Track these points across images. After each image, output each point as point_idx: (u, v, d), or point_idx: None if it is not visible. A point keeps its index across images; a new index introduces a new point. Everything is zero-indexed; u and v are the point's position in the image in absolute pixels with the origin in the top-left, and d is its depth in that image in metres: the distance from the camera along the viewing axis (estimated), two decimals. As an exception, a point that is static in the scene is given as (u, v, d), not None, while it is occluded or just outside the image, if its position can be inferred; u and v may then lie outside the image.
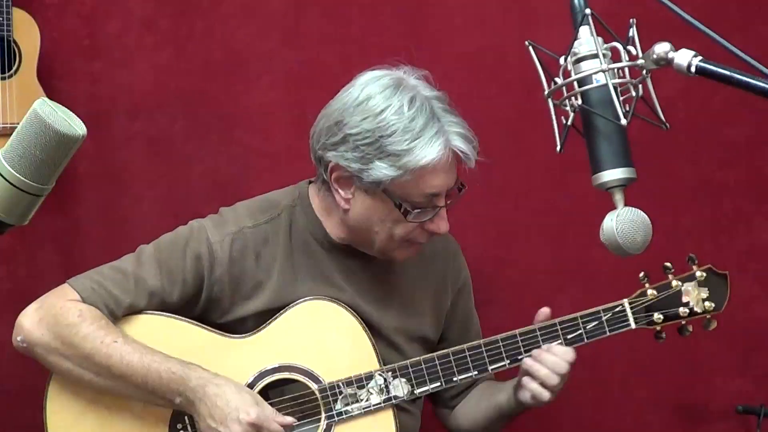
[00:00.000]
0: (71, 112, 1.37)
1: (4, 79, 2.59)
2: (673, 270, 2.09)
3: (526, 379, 2.07)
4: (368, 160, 1.98)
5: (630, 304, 2.08)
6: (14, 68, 2.60)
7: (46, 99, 1.36)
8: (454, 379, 2.10)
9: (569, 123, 1.50)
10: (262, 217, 2.14)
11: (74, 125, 1.35)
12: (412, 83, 2.02)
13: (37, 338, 2.04)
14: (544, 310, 2.11)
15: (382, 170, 1.97)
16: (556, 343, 2.08)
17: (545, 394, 2.05)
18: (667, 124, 1.49)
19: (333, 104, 2.05)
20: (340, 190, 2.05)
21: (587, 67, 1.47)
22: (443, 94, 2.04)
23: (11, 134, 1.37)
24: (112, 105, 2.76)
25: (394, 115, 1.97)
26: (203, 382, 2.00)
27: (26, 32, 2.62)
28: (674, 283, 2.09)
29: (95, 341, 2.01)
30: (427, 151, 1.96)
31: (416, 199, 2.00)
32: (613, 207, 1.46)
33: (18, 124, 1.36)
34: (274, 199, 2.18)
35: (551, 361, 2.05)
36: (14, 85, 2.59)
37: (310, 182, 2.18)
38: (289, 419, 2.04)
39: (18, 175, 1.35)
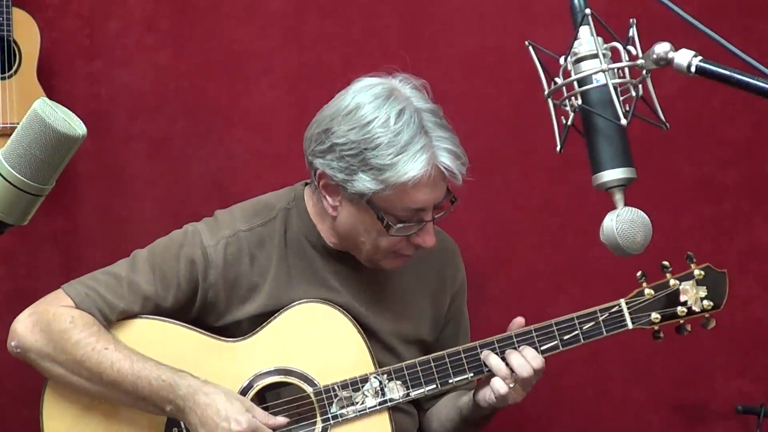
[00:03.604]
0: (71, 112, 1.37)
1: (4, 79, 2.59)
2: (671, 269, 2.08)
3: (489, 378, 2.05)
4: (352, 172, 1.96)
5: (627, 304, 2.07)
6: (14, 68, 2.61)
7: (46, 99, 1.36)
8: (450, 381, 2.09)
9: (569, 123, 1.50)
10: (257, 220, 2.13)
11: (74, 125, 1.35)
12: (405, 94, 1.99)
13: (31, 344, 2.03)
14: (519, 320, 2.09)
15: (365, 183, 1.95)
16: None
17: (504, 388, 2.02)
18: (667, 124, 1.49)
19: (325, 110, 2.03)
20: (328, 197, 2.04)
21: (587, 67, 1.47)
22: (437, 107, 2.00)
23: (11, 134, 1.37)
24: (112, 105, 2.76)
25: (380, 127, 1.94)
26: (192, 391, 1.99)
27: (26, 32, 2.63)
28: (672, 282, 2.07)
29: (87, 347, 2.00)
30: (410, 167, 1.93)
31: (400, 213, 1.98)
32: (613, 207, 1.46)
33: (18, 124, 1.36)
34: (270, 202, 2.17)
35: (517, 361, 2.03)
36: (14, 85, 2.59)
37: (306, 184, 2.17)
38: (281, 419, 2.04)
39: (18, 175, 1.35)
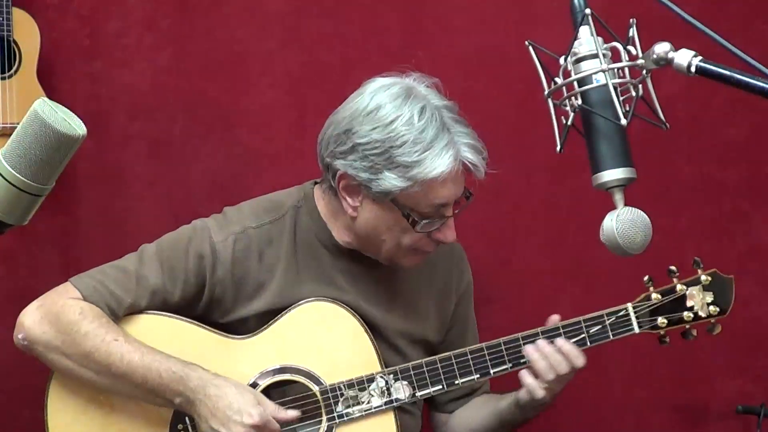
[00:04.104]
0: (71, 112, 1.37)
1: (4, 79, 2.59)
2: (677, 274, 2.08)
3: (523, 373, 2.05)
4: (377, 171, 1.97)
5: (634, 308, 2.07)
6: (14, 68, 2.60)
7: (46, 99, 1.36)
8: (456, 382, 2.10)
9: (569, 123, 1.50)
10: (267, 218, 2.14)
11: (74, 125, 1.35)
12: (423, 92, 2.01)
13: (38, 336, 2.04)
14: (554, 318, 2.09)
15: (391, 181, 1.96)
16: (573, 340, 2.06)
17: (539, 392, 2.03)
18: (667, 124, 1.49)
19: (342, 111, 2.04)
20: (347, 198, 2.04)
21: (587, 67, 1.47)
22: (453, 104, 2.03)
23: (11, 134, 1.37)
24: (112, 105, 2.76)
25: (404, 125, 1.96)
26: (203, 383, 2.00)
27: (26, 32, 2.62)
28: (679, 287, 2.08)
29: (96, 339, 2.01)
30: (438, 163, 1.95)
31: (424, 210, 2.00)
32: (613, 207, 1.46)
33: (18, 124, 1.36)
34: (279, 200, 2.18)
35: (555, 358, 2.03)
36: (14, 85, 2.59)
37: (316, 183, 2.17)
38: (292, 413, 2.04)
39: (18, 175, 1.35)
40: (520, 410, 2.11)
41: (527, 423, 2.16)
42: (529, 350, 2.05)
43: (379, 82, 2.04)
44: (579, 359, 2.04)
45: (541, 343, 2.05)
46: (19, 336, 2.05)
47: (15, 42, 2.61)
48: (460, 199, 2.04)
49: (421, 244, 2.05)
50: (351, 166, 1.99)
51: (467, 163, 1.98)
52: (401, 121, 1.96)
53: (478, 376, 2.09)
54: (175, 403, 2.02)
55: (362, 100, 2.01)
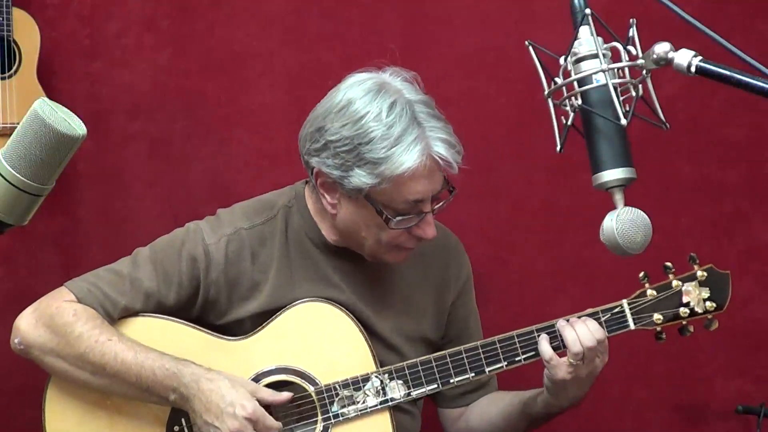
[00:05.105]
0: (71, 112, 1.37)
1: (4, 79, 2.59)
2: (673, 270, 2.08)
3: (546, 351, 2.02)
4: (348, 168, 1.96)
5: (629, 304, 2.07)
6: (14, 68, 2.61)
7: (46, 99, 1.36)
8: (451, 380, 2.09)
9: (569, 123, 1.50)
10: (259, 218, 2.14)
11: (74, 125, 1.35)
12: (396, 87, 1.99)
13: (34, 339, 2.04)
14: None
15: (360, 178, 1.95)
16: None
17: (561, 369, 1.99)
18: (667, 124, 1.49)
19: (317, 109, 2.04)
20: (326, 196, 2.04)
21: (587, 67, 1.47)
22: (429, 98, 2.01)
23: (11, 134, 1.37)
24: (112, 105, 2.76)
25: (372, 121, 1.94)
26: (196, 378, 2.00)
27: (26, 32, 2.63)
28: (674, 283, 2.07)
29: (90, 340, 2.01)
30: (405, 159, 1.93)
31: (399, 206, 1.98)
32: (613, 207, 1.46)
33: (18, 124, 1.36)
34: (271, 200, 2.18)
35: (582, 329, 2.00)
36: (14, 85, 2.59)
37: (306, 182, 2.17)
38: (286, 394, 2.04)
39: (18, 175, 1.36)
40: (550, 397, 2.05)
41: (554, 417, 2.12)
42: (560, 322, 2.03)
43: (355, 77, 2.03)
44: (599, 332, 2.01)
45: (570, 318, 2.03)
46: (15, 340, 2.06)
47: (15, 42, 2.61)
48: (440, 194, 2.02)
49: (401, 240, 2.03)
50: (324, 164, 1.99)
51: (437, 158, 1.95)
52: (370, 117, 1.95)
53: (473, 374, 2.09)
54: (170, 400, 2.03)
55: (336, 97, 2.01)
